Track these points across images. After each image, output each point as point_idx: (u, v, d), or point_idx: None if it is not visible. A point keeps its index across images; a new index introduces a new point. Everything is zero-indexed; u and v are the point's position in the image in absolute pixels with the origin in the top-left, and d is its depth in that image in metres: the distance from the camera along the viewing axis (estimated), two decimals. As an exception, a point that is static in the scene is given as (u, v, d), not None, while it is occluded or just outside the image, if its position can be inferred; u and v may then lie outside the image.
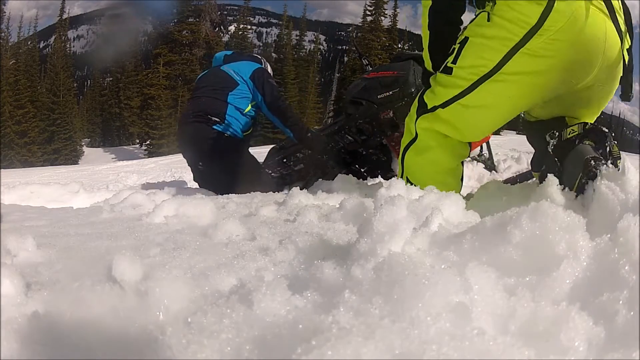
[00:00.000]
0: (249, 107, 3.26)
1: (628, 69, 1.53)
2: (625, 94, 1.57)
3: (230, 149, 3.21)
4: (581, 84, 1.54)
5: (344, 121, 3.39)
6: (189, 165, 3.46)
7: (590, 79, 1.52)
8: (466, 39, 1.56)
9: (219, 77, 3.31)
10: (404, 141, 1.80)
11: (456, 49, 1.58)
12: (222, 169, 3.16)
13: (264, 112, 3.29)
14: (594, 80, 1.54)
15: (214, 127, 3.18)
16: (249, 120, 3.30)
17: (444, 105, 1.61)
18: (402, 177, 1.79)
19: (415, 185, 1.63)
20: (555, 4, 1.37)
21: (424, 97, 1.69)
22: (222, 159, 3.16)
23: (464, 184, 2.91)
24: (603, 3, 1.43)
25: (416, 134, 1.72)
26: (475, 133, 1.68)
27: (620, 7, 1.50)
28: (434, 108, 1.64)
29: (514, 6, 1.41)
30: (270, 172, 3.57)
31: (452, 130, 1.66)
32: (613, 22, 1.44)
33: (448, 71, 1.59)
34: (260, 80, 3.24)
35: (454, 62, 1.57)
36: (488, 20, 1.47)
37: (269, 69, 3.56)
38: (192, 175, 3.53)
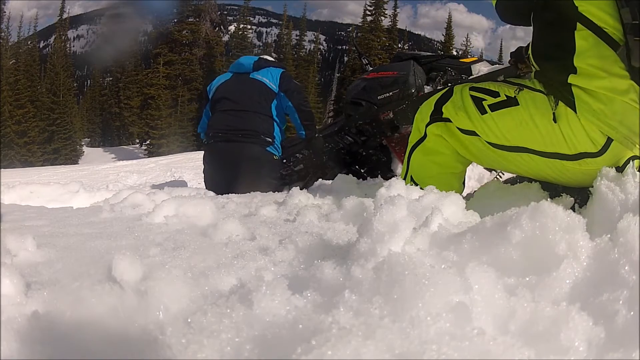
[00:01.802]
0: (284, 120, 3.24)
1: None
2: None
3: (276, 173, 3.17)
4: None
5: (343, 122, 3.38)
6: (213, 178, 3.22)
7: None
8: (516, 101, 1.50)
9: (257, 88, 3.14)
10: (412, 139, 1.79)
11: (501, 100, 1.54)
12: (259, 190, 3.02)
13: (286, 109, 3.18)
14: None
15: (268, 149, 3.09)
16: (284, 132, 3.28)
17: (464, 132, 1.63)
18: (405, 175, 1.80)
19: (417, 185, 1.66)
20: (606, 153, 1.39)
21: (443, 107, 1.67)
22: (267, 184, 2.98)
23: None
24: None
25: (425, 134, 1.72)
26: (491, 166, 1.68)
27: None
28: (449, 120, 1.65)
29: (576, 132, 1.40)
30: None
31: (468, 153, 1.69)
32: None
33: (481, 108, 1.57)
34: (288, 82, 3.18)
35: (492, 109, 1.54)
36: (554, 121, 1.43)
37: None
38: (192, 175, 3.49)
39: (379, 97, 3.12)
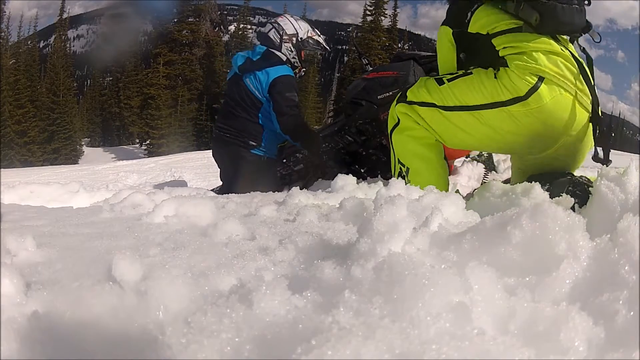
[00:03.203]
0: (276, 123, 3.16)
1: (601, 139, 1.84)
2: (596, 157, 1.85)
3: (266, 174, 3.19)
4: (544, 152, 1.88)
5: (343, 121, 3.38)
6: (220, 168, 3.47)
7: (551, 151, 1.87)
8: (470, 73, 1.86)
9: (243, 92, 3.13)
10: (389, 126, 2.06)
11: (459, 74, 1.89)
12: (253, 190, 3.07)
13: (274, 124, 3.10)
14: (555, 153, 1.88)
15: (252, 151, 3.14)
16: (282, 136, 3.22)
17: (421, 104, 1.93)
18: (393, 161, 2.05)
19: (405, 165, 1.99)
20: (540, 87, 1.72)
21: (407, 91, 2.00)
22: (258, 184, 2.96)
23: (464, 184, 2.91)
24: (588, 100, 1.77)
25: (398, 119, 2.01)
26: (447, 140, 1.97)
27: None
28: (412, 102, 1.96)
29: (514, 80, 1.75)
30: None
31: (425, 124, 1.96)
32: (594, 110, 1.79)
33: (440, 82, 1.90)
34: (276, 101, 3.02)
35: (450, 80, 1.89)
36: (497, 78, 1.79)
37: (290, 29, 3.21)
38: (192, 175, 3.53)
39: (378, 97, 3.11)
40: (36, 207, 2.09)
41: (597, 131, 1.81)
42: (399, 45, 30.81)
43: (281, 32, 3.19)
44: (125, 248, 1.02)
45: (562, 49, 1.78)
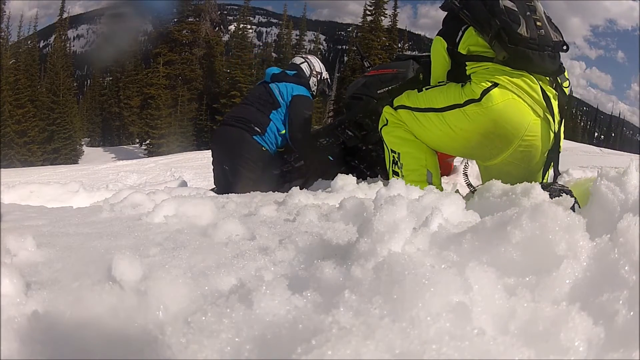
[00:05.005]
0: (285, 130, 3.46)
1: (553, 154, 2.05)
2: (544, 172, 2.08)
3: (262, 163, 3.40)
4: (500, 157, 2.08)
5: (344, 116, 3.42)
6: (214, 164, 3.62)
7: (506, 155, 2.06)
8: (446, 83, 2.18)
9: (266, 93, 3.54)
10: (380, 125, 2.39)
11: (436, 84, 2.22)
12: (245, 179, 3.30)
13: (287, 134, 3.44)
14: (511, 157, 2.06)
15: (254, 137, 3.38)
16: (285, 140, 3.48)
17: (400, 107, 2.28)
18: (387, 152, 2.34)
19: (396, 152, 2.28)
20: (493, 90, 1.96)
21: (394, 99, 2.35)
22: (250, 171, 3.33)
23: (462, 183, 2.90)
24: (541, 109, 1.98)
25: (387, 120, 2.35)
26: (419, 137, 2.25)
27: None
28: (395, 107, 2.32)
29: (472, 87, 2.03)
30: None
31: (405, 127, 2.27)
32: (550, 119, 1.99)
33: (419, 90, 2.23)
34: (294, 109, 3.41)
35: (427, 89, 2.22)
36: (462, 87, 2.08)
37: (318, 68, 3.82)
38: (192, 174, 3.58)
39: (378, 91, 3.14)
40: (36, 206, 2.09)
41: (557, 146, 2.01)
42: (399, 45, 30.80)
43: (312, 67, 3.82)
44: (125, 248, 1.02)
45: (521, 74, 1.98)
